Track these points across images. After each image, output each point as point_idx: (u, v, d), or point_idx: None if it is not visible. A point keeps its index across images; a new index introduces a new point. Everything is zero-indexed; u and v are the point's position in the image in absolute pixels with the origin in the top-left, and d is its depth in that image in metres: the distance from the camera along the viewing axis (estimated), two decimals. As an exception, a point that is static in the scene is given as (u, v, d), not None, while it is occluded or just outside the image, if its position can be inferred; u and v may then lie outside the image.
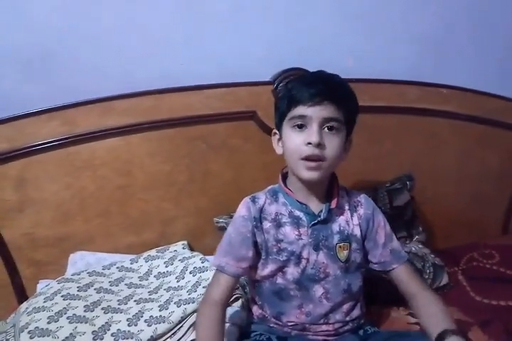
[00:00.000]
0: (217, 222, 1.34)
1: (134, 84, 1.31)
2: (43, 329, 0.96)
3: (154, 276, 1.21)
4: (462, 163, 1.61)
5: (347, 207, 0.96)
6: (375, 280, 1.06)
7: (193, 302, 1.03)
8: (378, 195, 1.40)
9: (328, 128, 0.86)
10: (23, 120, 1.23)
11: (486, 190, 1.66)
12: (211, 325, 0.85)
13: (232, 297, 1.01)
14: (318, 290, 0.91)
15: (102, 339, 0.95)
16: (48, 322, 0.97)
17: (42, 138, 1.24)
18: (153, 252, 1.29)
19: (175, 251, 1.29)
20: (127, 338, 0.96)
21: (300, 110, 0.86)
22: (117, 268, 1.24)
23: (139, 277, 1.21)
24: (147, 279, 1.20)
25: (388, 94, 1.50)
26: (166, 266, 1.22)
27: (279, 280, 0.92)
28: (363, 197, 1.00)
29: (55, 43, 1.26)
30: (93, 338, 0.95)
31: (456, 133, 1.59)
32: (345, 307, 0.93)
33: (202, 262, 1.18)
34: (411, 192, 1.45)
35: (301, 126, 0.86)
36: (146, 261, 1.26)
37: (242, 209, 0.94)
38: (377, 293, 1.11)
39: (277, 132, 0.94)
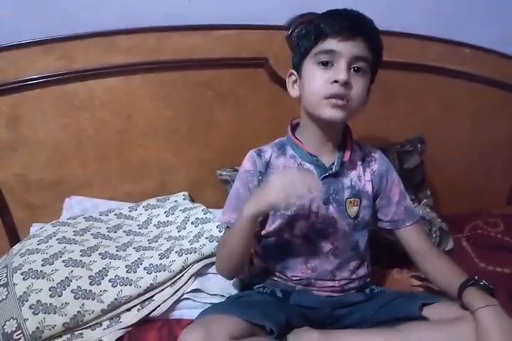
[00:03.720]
0: (220, 175, 1.28)
1: (137, 20, 1.20)
2: (37, 271, 0.92)
3: (154, 225, 1.17)
4: (475, 129, 1.55)
5: (360, 162, 0.91)
6: (379, 241, 1.03)
7: (195, 252, 0.99)
8: (388, 156, 1.33)
9: (355, 70, 0.79)
10: (16, 51, 1.13)
11: (495, 159, 1.61)
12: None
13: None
14: (325, 246, 0.88)
15: (99, 284, 0.92)
16: (43, 265, 0.94)
17: (36, 72, 1.15)
18: (153, 201, 1.24)
19: (175, 201, 1.24)
20: (125, 284, 0.93)
21: (329, 44, 0.78)
22: (115, 214, 1.20)
23: (138, 225, 1.17)
24: (146, 227, 1.16)
25: (408, 50, 1.40)
26: (167, 216, 1.17)
27: (286, 234, 0.89)
28: (377, 153, 0.94)
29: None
30: (90, 283, 0.92)
31: (473, 97, 1.51)
32: (352, 264, 0.90)
33: (204, 213, 1.13)
34: (421, 156, 1.40)
35: (326, 63, 0.79)
36: (146, 210, 1.21)
37: (247, 163, 0.89)
38: (381, 254, 1.09)
39: (294, 73, 0.87)
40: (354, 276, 0.91)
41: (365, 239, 0.92)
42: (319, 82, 0.79)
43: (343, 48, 0.77)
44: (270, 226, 0.89)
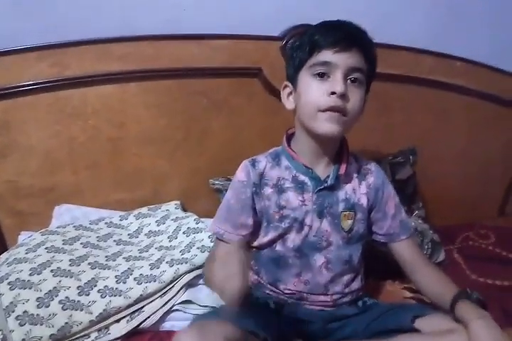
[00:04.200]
0: (212, 184, 1.27)
1: (133, 27, 1.20)
2: (24, 280, 0.90)
3: (145, 234, 1.15)
4: (468, 141, 1.56)
5: (355, 175, 0.90)
6: (372, 253, 1.03)
7: (186, 262, 0.98)
8: (381, 167, 1.34)
9: (351, 80, 0.79)
10: (9, 57, 1.13)
11: (487, 172, 1.62)
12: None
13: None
14: (318, 259, 0.87)
15: (88, 295, 0.91)
16: (30, 274, 0.92)
17: (29, 78, 1.14)
18: (144, 210, 1.23)
19: (167, 210, 1.23)
20: (115, 295, 0.91)
21: (324, 56, 0.78)
22: (106, 223, 1.18)
23: (128, 234, 1.15)
24: (137, 237, 1.15)
25: (402, 62, 1.42)
26: (158, 225, 1.16)
27: (279, 247, 0.88)
28: (373, 166, 0.94)
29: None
30: (78, 293, 0.91)
31: (466, 110, 1.53)
32: (345, 278, 0.89)
33: (196, 223, 1.12)
34: (413, 167, 1.41)
35: (322, 75, 0.79)
36: (137, 219, 1.20)
37: (241, 174, 0.88)
38: (374, 266, 1.08)
39: (289, 85, 0.86)
40: (347, 290, 0.89)
41: (358, 252, 0.91)
42: (316, 94, 0.79)
43: (339, 60, 0.77)
44: (263, 238, 0.88)
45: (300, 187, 0.86)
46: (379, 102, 1.35)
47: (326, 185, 0.86)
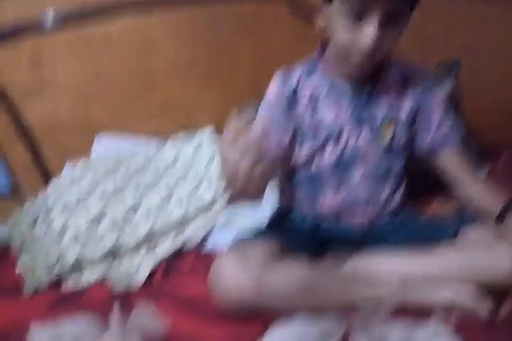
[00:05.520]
0: (245, 108, 1.24)
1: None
2: (72, 206, 0.96)
3: (182, 161, 1.17)
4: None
5: (398, 82, 0.83)
6: (413, 170, 0.99)
7: (224, 186, 0.99)
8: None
9: (387, 19, 0.68)
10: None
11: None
12: None
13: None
14: (356, 174, 0.84)
15: (134, 217, 0.95)
16: (78, 200, 0.97)
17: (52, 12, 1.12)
18: (179, 138, 1.24)
19: (202, 137, 1.23)
20: (159, 217, 0.95)
21: None
22: (144, 153, 1.20)
23: (166, 162, 1.17)
24: (175, 164, 1.16)
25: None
26: (194, 152, 1.17)
27: (315, 164, 0.84)
28: (419, 72, 0.85)
29: None
30: (125, 214, 0.95)
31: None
32: (384, 193, 0.86)
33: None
34: (456, 80, 1.30)
35: (357, 16, 0.68)
36: (173, 147, 1.21)
37: (274, 86, 0.82)
38: (413, 182, 1.05)
39: (322, 13, 0.75)
40: (385, 205, 0.87)
41: (399, 164, 0.86)
42: (348, 37, 0.70)
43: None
44: (298, 155, 0.85)
45: (337, 97, 0.80)
46: (421, 11, 1.22)
47: (364, 94, 0.80)
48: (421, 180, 1.01)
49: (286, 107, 0.81)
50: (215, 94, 1.29)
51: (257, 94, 1.20)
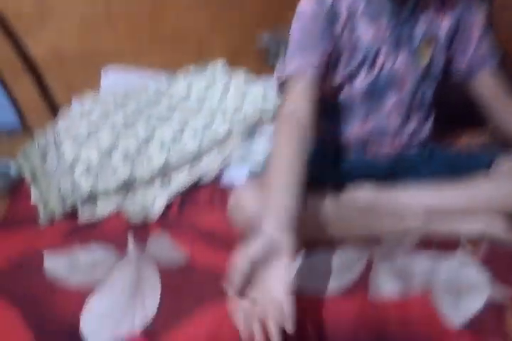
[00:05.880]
0: (261, 40, 1.16)
1: None
2: (83, 139, 0.92)
3: (195, 94, 1.11)
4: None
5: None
6: (443, 99, 0.91)
7: (239, 116, 0.95)
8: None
9: None
10: None
11: None
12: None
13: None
14: (389, 100, 0.79)
15: (146, 149, 0.92)
16: (89, 131, 0.93)
17: None
18: (191, 71, 1.17)
19: (214, 70, 1.16)
20: (172, 150, 0.91)
21: None
22: (155, 86, 1.15)
23: (178, 95, 1.12)
24: (188, 97, 1.11)
25: None
26: (207, 85, 1.11)
27: (346, 90, 0.78)
28: None
29: None
30: (137, 147, 0.92)
31: None
32: (414, 122, 0.82)
33: (245, 80, 1.06)
34: (490, 8, 1.18)
35: None
36: (184, 80, 1.15)
37: (308, 5, 0.73)
38: (442, 114, 0.98)
39: None
40: (415, 134, 0.82)
41: (432, 91, 0.81)
42: None
43: None
44: (330, 81, 0.78)
45: (375, 15, 0.73)
46: None
47: (404, 12, 0.72)
48: (450, 112, 0.95)
49: (326, 25, 0.73)
50: (226, 24, 1.20)
51: (269, 26, 1.13)
